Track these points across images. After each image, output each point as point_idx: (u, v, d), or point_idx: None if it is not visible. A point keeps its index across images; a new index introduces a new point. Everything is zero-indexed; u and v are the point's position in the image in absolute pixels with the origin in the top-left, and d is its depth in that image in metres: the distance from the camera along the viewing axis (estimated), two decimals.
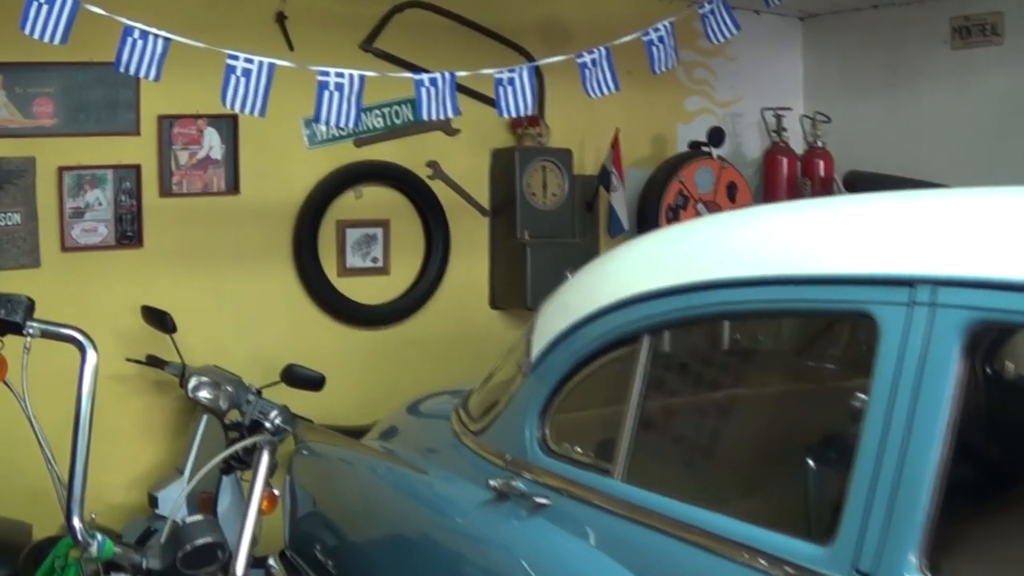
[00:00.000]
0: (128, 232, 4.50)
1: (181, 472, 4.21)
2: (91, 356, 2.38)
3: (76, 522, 2.26)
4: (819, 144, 5.77)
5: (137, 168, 4.53)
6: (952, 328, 1.75)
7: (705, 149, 5.49)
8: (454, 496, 2.83)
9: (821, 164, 5.73)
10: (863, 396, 1.86)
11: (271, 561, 3.71)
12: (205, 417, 4.16)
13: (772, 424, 2.49)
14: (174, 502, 4.00)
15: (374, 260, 5.01)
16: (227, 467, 3.34)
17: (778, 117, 5.75)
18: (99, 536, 2.27)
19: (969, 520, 2.03)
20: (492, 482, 2.63)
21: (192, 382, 4.01)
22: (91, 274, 4.39)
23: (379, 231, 5.01)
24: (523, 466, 2.63)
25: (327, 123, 3.53)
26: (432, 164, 5.08)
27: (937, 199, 2.04)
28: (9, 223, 4.24)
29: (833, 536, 1.84)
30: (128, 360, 4.32)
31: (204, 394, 3.97)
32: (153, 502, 4.18)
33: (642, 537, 2.23)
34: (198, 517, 2.41)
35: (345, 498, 3.43)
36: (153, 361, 4.33)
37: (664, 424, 2.55)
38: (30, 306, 2.41)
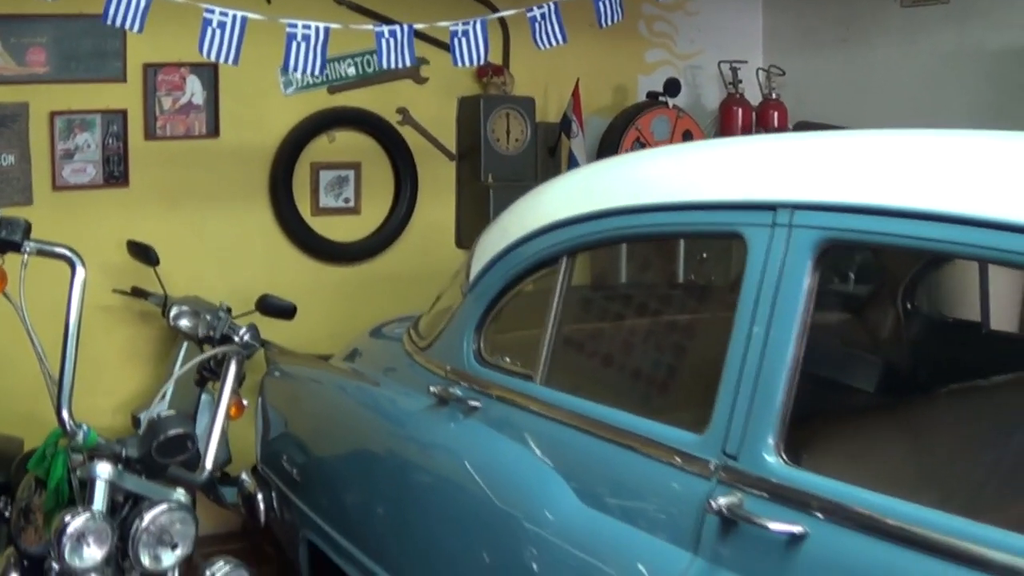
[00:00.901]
0: (115, 172, 4.80)
1: (163, 396, 4.53)
2: (80, 271, 2.70)
3: (65, 414, 2.58)
4: (774, 96, 6.06)
5: (124, 113, 4.82)
6: (805, 245, 2.09)
7: (662, 99, 5.78)
8: (403, 404, 3.17)
9: (775, 115, 6.01)
10: (733, 305, 2.20)
11: (244, 476, 4.05)
12: (185, 344, 4.46)
13: (661, 333, 2.82)
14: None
15: (346, 200, 5.30)
16: (200, 378, 3.66)
17: (734, 70, 6.03)
18: (84, 426, 2.58)
19: (827, 412, 2.37)
20: (432, 388, 2.97)
21: (173, 311, 4.34)
22: (80, 211, 4.68)
23: (351, 173, 5.29)
24: (461, 375, 2.97)
25: (295, 71, 3.83)
26: (402, 110, 5.36)
27: (801, 139, 2.38)
28: (4, 164, 4.55)
29: (707, 425, 2.19)
30: (114, 291, 4.62)
31: (184, 322, 4.30)
32: (136, 423, 4.49)
33: (555, 430, 2.58)
34: (171, 412, 2.73)
35: (311, 412, 3.75)
36: (137, 292, 4.63)
37: (577, 335, 2.88)
38: (27, 227, 2.74)
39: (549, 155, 5.64)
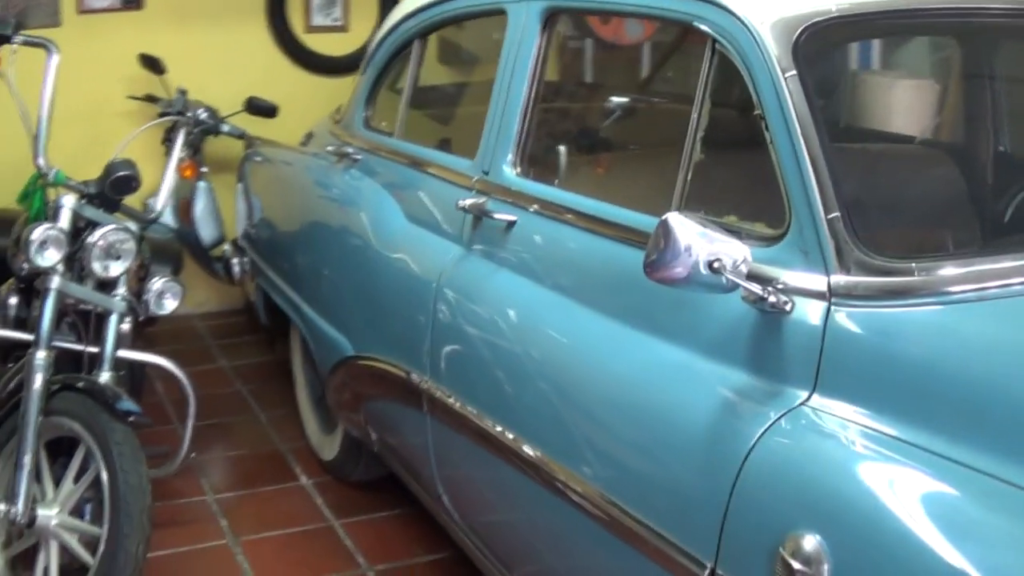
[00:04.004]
0: None
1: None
2: (55, 56, 3.55)
3: (40, 160, 3.45)
4: None
5: None
6: (536, 14, 2.85)
7: None
8: (315, 165, 4.03)
9: None
10: (497, 62, 2.98)
11: (225, 246, 4.97)
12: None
13: (463, 100, 3.58)
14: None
15: (335, 19, 6.04)
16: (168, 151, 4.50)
17: None
18: (54, 169, 3.46)
19: (546, 138, 3.13)
20: (329, 148, 3.82)
21: (202, 114, 5.21)
22: (101, 32, 5.53)
23: None
24: (354, 138, 3.82)
25: None
26: None
27: None
28: None
29: (475, 153, 2.99)
30: (128, 97, 5.50)
31: (204, 115, 5.14)
32: (144, 208, 5.42)
33: (397, 169, 3.46)
34: (122, 158, 3.55)
35: (270, 184, 4.60)
36: (149, 98, 5.47)
37: (421, 98, 3.68)
38: (17, 24, 3.60)
39: None
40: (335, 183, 3.79)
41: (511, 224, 2.74)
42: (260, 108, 5.23)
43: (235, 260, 4.88)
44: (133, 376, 3.86)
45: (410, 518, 3.75)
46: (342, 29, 6.08)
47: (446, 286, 2.89)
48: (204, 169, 4.82)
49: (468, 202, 2.87)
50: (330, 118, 4.25)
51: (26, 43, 3.60)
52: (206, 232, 5.33)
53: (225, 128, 5.19)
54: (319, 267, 3.78)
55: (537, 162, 2.89)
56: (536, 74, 2.83)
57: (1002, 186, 2.56)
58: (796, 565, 1.71)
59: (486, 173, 2.91)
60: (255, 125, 5.32)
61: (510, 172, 2.84)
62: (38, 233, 3.25)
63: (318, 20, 6.01)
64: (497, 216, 2.77)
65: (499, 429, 2.59)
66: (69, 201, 3.41)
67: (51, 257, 3.27)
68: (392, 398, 3.18)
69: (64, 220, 3.38)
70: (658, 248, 1.92)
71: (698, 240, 1.91)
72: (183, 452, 3.58)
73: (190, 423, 3.56)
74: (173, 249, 5.02)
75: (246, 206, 4.77)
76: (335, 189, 3.79)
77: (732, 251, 1.94)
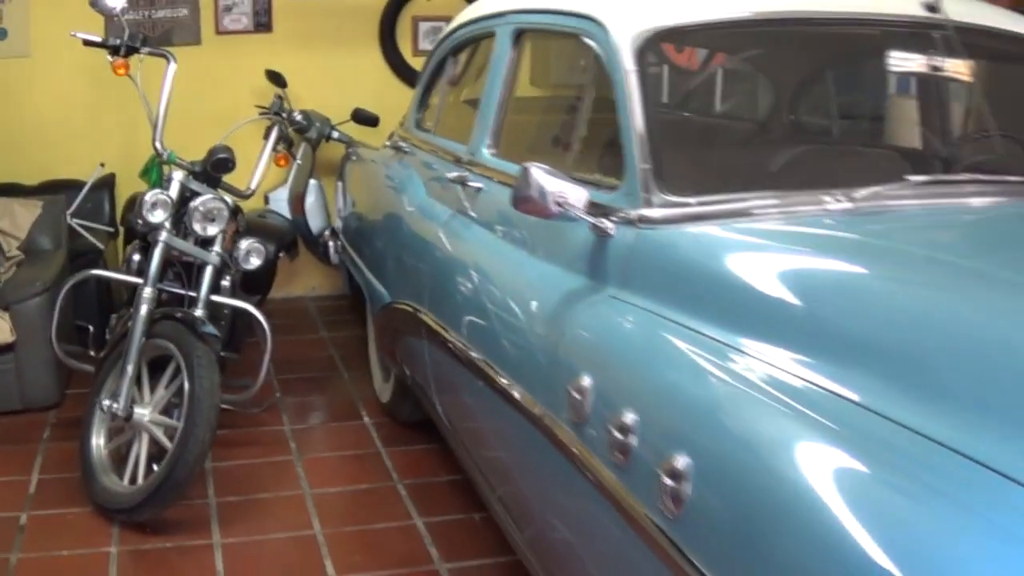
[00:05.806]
0: (262, 21, 6.88)
1: (286, 182, 6.68)
2: (172, 65, 4.76)
3: (158, 143, 4.66)
4: None
5: None
6: (508, 33, 3.91)
7: None
8: (385, 158, 5.17)
9: None
10: (490, 74, 4.06)
11: (325, 232, 6.18)
12: (303, 145, 6.58)
13: (467, 102, 4.61)
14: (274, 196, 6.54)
15: None
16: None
17: None
18: (168, 150, 4.67)
19: (513, 128, 4.13)
20: (386, 143, 4.97)
21: (296, 116, 6.44)
22: (235, 50, 6.80)
23: (444, 23, 7.15)
24: (408, 136, 4.95)
25: None
26: None
27: None
28: (179, 15, 6.71)
29: (468, 141, 4.08)
30: (256, 106, 6.75)
31: (299, 117, 6.35)
32: (266, 200, 6.69)
33: (426, 157, 4.55)
34: (222, 144, 4.73)
35: (357, 179, 5.76)
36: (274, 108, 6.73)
37: (451, 101, 4.78)
38: (144, 38, 4.85)
39: None
40: (391, 172, 4.93)
41: (479, 189, 3.81)
42: (364, 118, 6.45)
43: (331, 244, 6.08)
44: (234, 326, 5.04)
45: (442, 450, 4.78)
46: None
47: (439, 239, 3.98)
48: (299, 162, 6.09)
49: (454, 174, 3.96)
50: (400, 121, 5.40)
51: (151, 54, 4.82)
52: (314, 222, 6.57)
53: (335, 135, 6.41)
54: (375, 238, 4.92)
55: (504, 145, 3.94)
56: (508, 79, 3.90)
57: (776, 150, 3.53)
58: (575, 396, 2.67)
59: (472, 154, 3.99)
60: (364, 134, 6.53)
61: (487, 152, 3.90)
62: (150, 196, 4.43)
63: (424, 45, 7.15)
64: (471, 184, 3.85)
65: (455, 337, 3.66)
66: (178, 175, 4.59)
67: (159, 215, 4.46)
68: (409, 332, 4.27)
69: (173, 189, 4.55)
70: (521, 189, 2.94)
71: (548, 183, 2.92)
72: (259, 382, 4.67)
73: (266, 358, 4.65)
74: (289, 233, 6.32)
75: (341, 198, 5.95)
76: (391, 177, 4.93)
77: (574, 192, 2.95)
